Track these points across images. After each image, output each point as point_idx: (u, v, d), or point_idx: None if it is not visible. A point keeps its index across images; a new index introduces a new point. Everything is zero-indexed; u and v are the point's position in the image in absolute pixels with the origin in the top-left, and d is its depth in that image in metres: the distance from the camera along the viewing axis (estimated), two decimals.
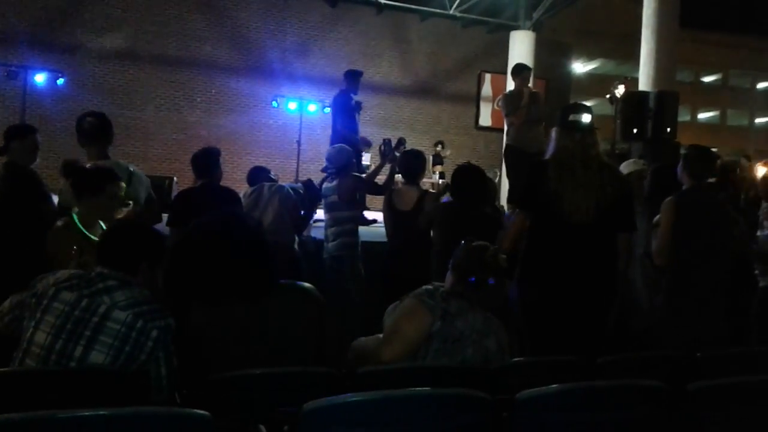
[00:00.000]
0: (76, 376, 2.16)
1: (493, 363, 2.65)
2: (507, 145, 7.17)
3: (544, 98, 7.21)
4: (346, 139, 7.25)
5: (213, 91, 15.37)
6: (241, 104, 15.40)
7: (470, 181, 4.58)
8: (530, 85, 7.50)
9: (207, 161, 4.74)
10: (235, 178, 11.37)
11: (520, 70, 7.48)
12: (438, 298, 2.73)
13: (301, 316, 2.42)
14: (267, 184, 5.21)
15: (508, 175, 6.13)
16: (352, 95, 8.60)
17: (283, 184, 5.33)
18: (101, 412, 1.60)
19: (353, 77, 8.52)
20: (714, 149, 4.97)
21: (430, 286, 2.82)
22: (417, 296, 2.76)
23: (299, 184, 5.50)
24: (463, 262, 2.85)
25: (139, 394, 2.13)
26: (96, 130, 4.22)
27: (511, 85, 15.29)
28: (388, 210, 5.01)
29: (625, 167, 4.71)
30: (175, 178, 10.28)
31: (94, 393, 2.08)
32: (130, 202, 3.77)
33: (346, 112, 8.47)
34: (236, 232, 2.41)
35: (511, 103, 7.10)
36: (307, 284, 2.56)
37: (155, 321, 2.28)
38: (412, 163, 5.19)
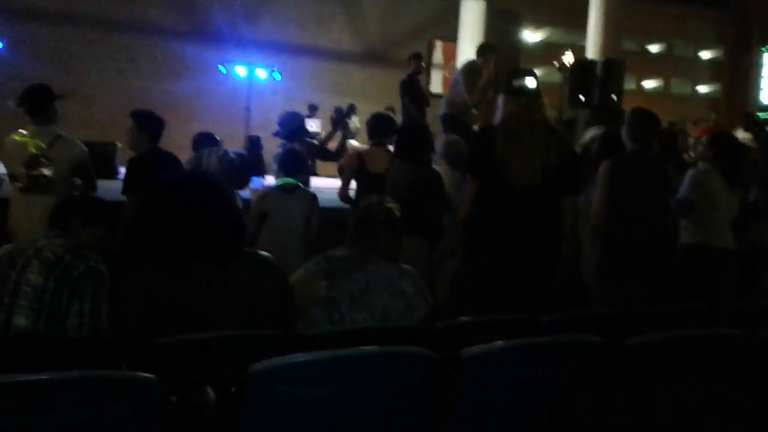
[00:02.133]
0: (10, 341, 2.12)
1: (415, 306, 2.67)
2: (444, 114, 7.15)
3: (494, 67, 7.12)
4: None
5: (158, 55, 14.96)
6: (188, 69, 15.03)
7: (408, 136, 4.64)
8: (492, 69, 7.36)
9: (159, 127, 4.65)
10: (182, 145, 11.17)
11: (484, 50, 7.32)
12: (325, 261, 2.73)
13: (264, 286, 2.38)
14: (207, 149, 5.13)
15: None
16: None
17: (227, 149, 5.25)
18: (42, 377, 1.57)
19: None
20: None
21: (327, 252, 2.82)
22: (305, 266, 2.79)
23: (243, 150, 5.44)
24: (355, 218, 2.86)
25: (79, 359, 2.10)
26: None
27: (462, 54, 15.40)
28: (359, 173, 4.93)
29: (589, 133, 4.78)
30: (119, 144, 10.04)
31: (32, 358, 2.04)
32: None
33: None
34: (205, 191, 2.36)
35: (470, 79, 7.04)
36: (269, 257, 2.52)
37: (84, 260, 2.54)
38: (383, 126, 5.13)
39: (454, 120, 7.05)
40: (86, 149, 4.55)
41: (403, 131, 4.77)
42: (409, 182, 4.34)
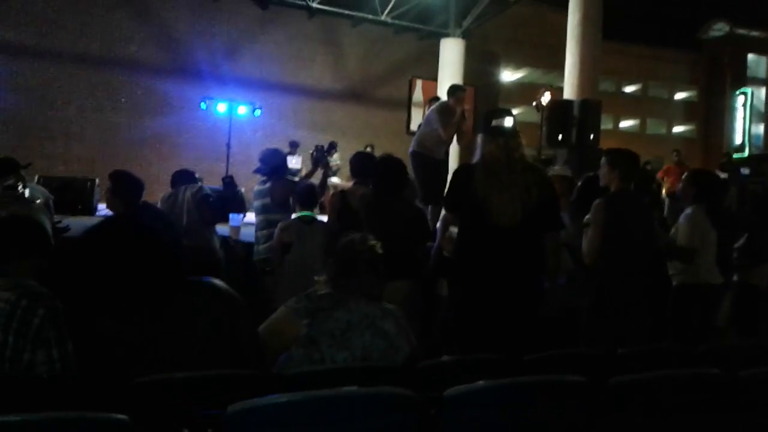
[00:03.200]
0: None
1: (397, 346, 2.64)
2: (414, 151, 7.26)
3: (472, 108, 7.27)
4: None
5: (138, 92, 14.98)
6: (169, 106, 15.06)
7: (386, 170, 4.59)
8: (464, 105, 7.58)
9: (133, 193, 4.57)
10: (161, 182, 11.11)
11: (454, 90, 7.59)
12: (307, 300, 2.69)
13: (211, 313, 2.36)
14: (183, 186, 5.12)
15: (416, 179, 6.24)
16: None
17: (204, 185, 5.24)
18: (13, 419, 1.52)
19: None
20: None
21: (309, 290, 2.80)
22: (286, 304, 2.73)
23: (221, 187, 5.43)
24: (336, 257, 2.84)
25: (50, 400, 2.04)
26: None
27: (443, 93, 15.60)
28: (342, 211, 4.94)
29: (552, 172, 4.86)
30: (97, 180, 9.97)
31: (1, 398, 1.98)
32: None
33: None
34: (125, 232, 2.35)
35: (444, 117, 7.20)
36: (217, 280, 2.49)
37: (41, 301, 2.24)
38: (365, 164, 5.17)
39: (423, 157, 7.17)
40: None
41: (380, 166, 4.76)
42: (389, 218, 4.31)
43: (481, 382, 1.95)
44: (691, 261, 4.50)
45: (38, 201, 5.18)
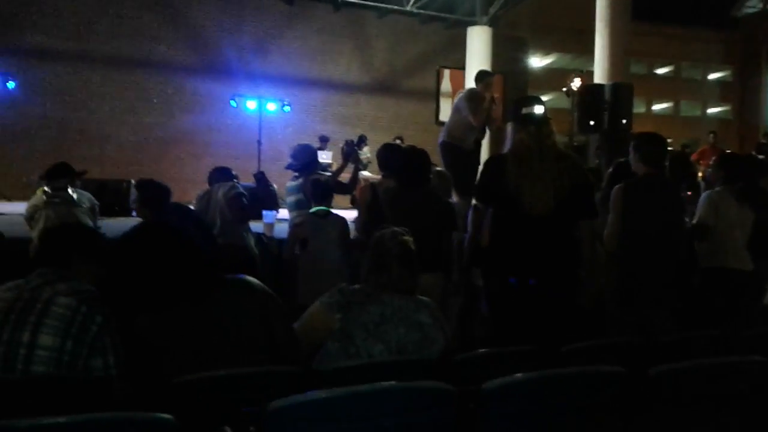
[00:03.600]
0: (28, 384, 2.11)
1: (432, 338, 2.64)
2: (443, 141, 7.21)
3: (502, 96, 7.23)
4: None
5: (169, 91, 15.17)
6: (199, 104, 15.23)
7: (409, 161, 4.51)
8: (493, 91, 7.52)
9: (159, 201, 4.64)
10: (195, 180, 11.24)
11: (482, 76, 7.53)
12: (339, 294, 2.70)
13: (247, 310, 2.39)
14: (218, 185, 5.17)
15: (447, 170, 6.16)
16: None
17: (237, 183, 5.29)
18: (60, 420, 1.56)
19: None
20: (669, 139, 5.06)
21: (341, 285, 2.80)
22: (320, 299, 2.75)
23: (253, 184, 5.48)
24: (369, 252, 2.85)
25: (95, 401, 2.09)
26: None
27: (471, 82, 15.50)
28: (373, 205, 4.91)
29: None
30: (132, 181, 10.11)
31: (50, 401, 2.03)
32: None
33: None
34: (154, 237, 2.40)
35: (473, 104, 7.16)
36: (251, 278, 2.53)
37: (99, 308, 2.29)
38: (392, 156, 5.09)
39: (453, 147, 7.13)
40: None
41: (403, 158, 4.69)
42: (414, 210, 4.26)
43: (519, 375, 1.94)
44: (704, 238, 4.40)
45: (85, 206, 5.32)
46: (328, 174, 6.70)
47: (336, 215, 5.04)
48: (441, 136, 7.32)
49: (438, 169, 5.34)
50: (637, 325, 3.88)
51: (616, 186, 4.07)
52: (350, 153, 6.08)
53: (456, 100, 7.55)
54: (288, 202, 5.46)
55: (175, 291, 2.32)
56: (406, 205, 4.29)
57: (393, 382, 1.89)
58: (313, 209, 5.01)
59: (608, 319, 4.07)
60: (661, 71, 25.78)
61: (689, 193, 5.40)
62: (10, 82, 12.56)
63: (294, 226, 4.96)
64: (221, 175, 5.39)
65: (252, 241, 5.21)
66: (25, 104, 13.17)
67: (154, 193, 4.67)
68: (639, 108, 19.17)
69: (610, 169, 4.74)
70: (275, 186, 6.06)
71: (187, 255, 2.38)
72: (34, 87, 13.63)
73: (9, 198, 10.72)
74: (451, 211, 4.52)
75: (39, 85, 13.83)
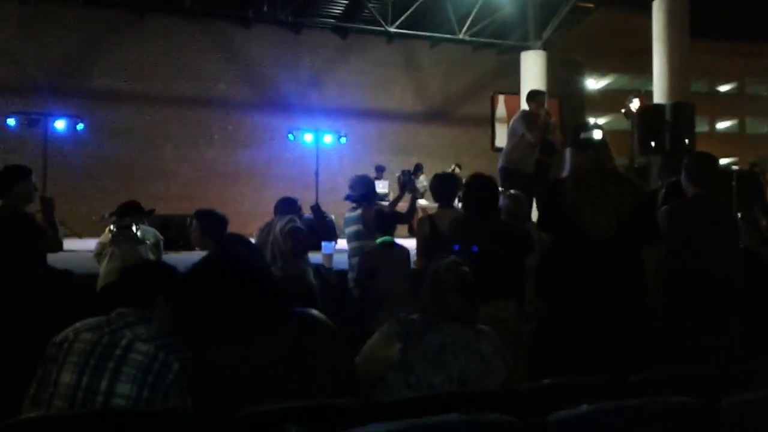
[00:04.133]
0: (102, 418, 2.16)
1: (494, 368, 2.60)
2: (502, 167, 7.17)
3: (558, 120, 7.19)
4: None
5: (230, 127, 15.58)
6: (258, 138, 15.58)
7: (477, 190, 4.42)
8: (546, 107, 7.51)
9: (220, 229, 4.69)
10: (255, 213, 11.45)
11: (533, 95, 7.55)
12: (398, 325, 2.68)
13: (311, 344, 2.39)
14: (278, 217, 5.25)
15: None
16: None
17: (294, 216, 5.34)
18: None
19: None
20: (735, 158, 4.90)
21: (400, 315, 2.78)
22: (380, 330, 2.73)
23: (310, 216, 5.55)
24: (426, 283, 2.82)
25: None
26: None
27: (524, 105, 15.41)
28: (432, 236, 4.92)
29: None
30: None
31: None
32: None
33: None
34: (226, 267, 2.42)
35: (528, 123, 7.14)
36: (314, 311, 2.54)
37: (176, 353, 2.31)
38: (446, 185, 5.13)
39: (512, 172, 7.08)
40: None
41: (468, 186, 4.65)
42: (482, 240, 4.21)
43: (585, 406, 1.89)
44: None
45: (149, 242, 5.47)
46: (386, 203, 6.73)
47: (401, 246, 5.10)
48: (500, 161, 7.32)
49: (512, 192, 5.29)
50: (692, 351, 3.71)
51: (662, 209, 3.96)
52: (407, 182, 6.11)
53: (511, 124, 7.54)
54: (347, 232, 5.50)
55: (246, 320, 2.34)
56: (474, 235, 4.23)
57: (455, 415, 1.87)
58: (379, 240, 5.05)
59: (657, 344, 3.91)
60: (723, 88, 25.13)
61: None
62: (79, 123, 13.07)
63: (363, 256, 5.00)
64: (286, 206, 5.45)
65: (311, 274, 5.26)
66: (93, 144, 13.69)
67: (216, 221, 4.76)
68: (702, 127, 18.69)
69: (663, 190, 4.62)
70: (333, 216, 6.11)
71: (259, 285, 2.39)
72: (101, 128, 14.16)
73: (80, 235, 11.12)
74: (523, 236, 4.42)
75: (105, 125, 14.36)
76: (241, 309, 2.33)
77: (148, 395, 2.23)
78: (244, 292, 2.35)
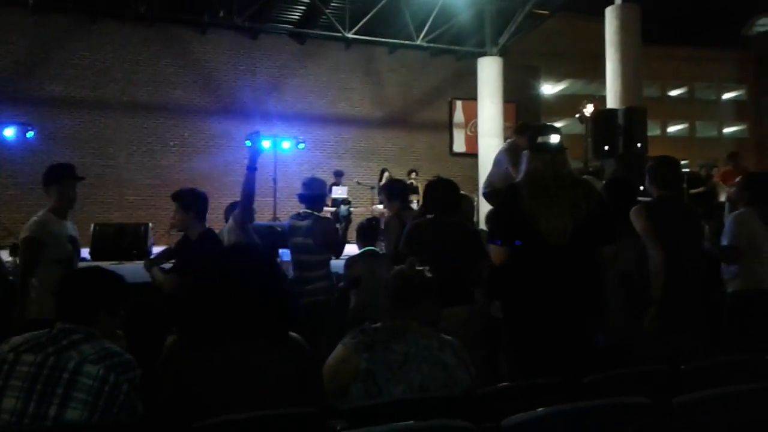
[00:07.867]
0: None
1: (457, 377, 2.59)
2: (485, 192, 7.23)
3: (514, 122, 7.24)
4: None
5: (186, 134, 15.35)
6: (215, 145, 15.39)
7: (438, 191, 4.51)
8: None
9: (204, 204, 4.60)
10: (211, 219, 11.28)
11: (522, 130, 7.51)
12: (363, 334, 2.65)
13: (279, 354, 2.34)
14: (229, 223, 5.09)
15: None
16: None
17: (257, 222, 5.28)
18: None
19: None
20: (685, 161, 5.02)
21: (364, 325, 2.75)
22: (343, 341, 2.69)
23: (271, 222, 5.51)
24: (389, 285, 2.81)
25: None
26: None
27: (483, 111, 15.54)
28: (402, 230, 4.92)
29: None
30: (150, 224, 10.18)
31: None
32: None
33: None
34: (251, 263, 2.36)
35: (513, 157, 7.18)
36: (294, 335, 2.48)
37: (126, 374, 2.22)
38: (397, 189, 5.58)
39: (496, 192, 7.15)
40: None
41: (427, 189, 4.68)
42: (435, 242, 4.21)
43: (540, 409, 1.90)
44: (734, 261, 4.34)
45: None
46: (344, 208, 6.77)
47: (385, 255, 5.29)
48: (483, 187, 7.39)
49: (461, 192, 5.32)
50: (667, 354, 3.78)
51: (635, 207, 4.02)
52: (343, 216, 6.43)
53: (497, 153, 7.54)
54: (291, 242, 5.30)
55: (259, 324, 2.25)
56: (429, 236, 4.25)
57: (411, 422, 1.86)
58: (363, 249, 5.30)
59: (635, 349, 3.97)
60: (674, 93, 25.73)
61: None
62: (29, 131, 12.73)
63: (346, 266, 5.17)
64: (234, 208, 5.31)
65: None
66: (44, 152, 13.32)
67: (198, 197, 4.57)
68: (654, 130, 19.11)
69: (605, 188, 4.61)
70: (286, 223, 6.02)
71: (277, 287, 2.34)
72: (52, 135, 13.82)
73: None
74: (475, 238, 4.45)
75: (57, 133, 14.03)
76: (251, 312, 2.25)
77: (99, 417, 2.15)
78: (274, 294, 2.30)
